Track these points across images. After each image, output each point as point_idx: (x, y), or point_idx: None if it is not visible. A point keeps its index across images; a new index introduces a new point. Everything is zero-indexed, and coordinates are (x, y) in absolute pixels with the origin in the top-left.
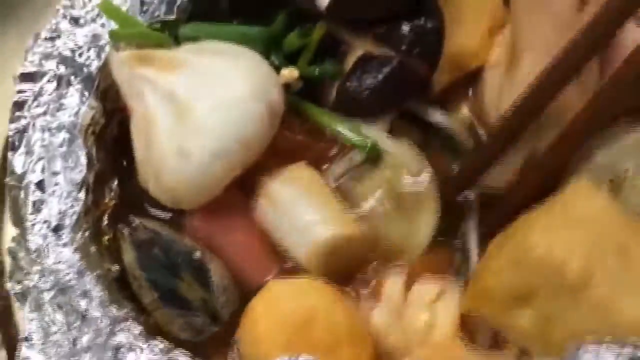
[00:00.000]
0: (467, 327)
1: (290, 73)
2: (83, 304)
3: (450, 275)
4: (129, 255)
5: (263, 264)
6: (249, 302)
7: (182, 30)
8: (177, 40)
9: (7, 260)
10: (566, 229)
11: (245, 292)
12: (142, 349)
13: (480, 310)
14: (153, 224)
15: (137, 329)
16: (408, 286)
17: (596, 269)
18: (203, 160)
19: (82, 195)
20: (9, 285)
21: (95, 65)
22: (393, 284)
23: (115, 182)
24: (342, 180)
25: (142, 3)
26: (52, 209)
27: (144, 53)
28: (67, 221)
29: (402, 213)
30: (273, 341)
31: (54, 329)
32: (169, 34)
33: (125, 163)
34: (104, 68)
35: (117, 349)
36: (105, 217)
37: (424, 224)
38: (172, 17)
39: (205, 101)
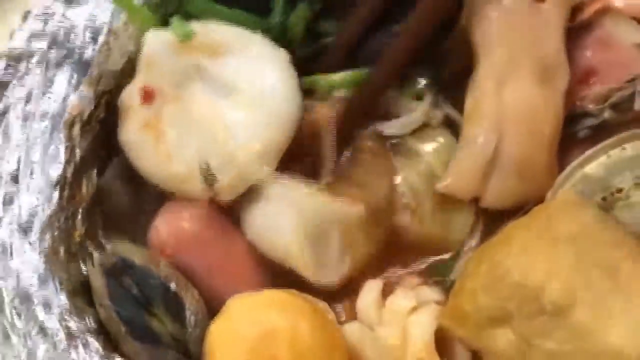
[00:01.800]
0: (446, 343)
1: None
2: (42, 314)
3: (427, 285)
4: (97, 282)
5: (239, 281)
6: None
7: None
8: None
9: None
10: (547, 248)
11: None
12: None
13: (455, 331)
14: (126, 247)
15: (94, 345)
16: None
17: (579, 291)
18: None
19: (56, 194)
20: None
21: (90, 49)
22: (366, 297)
23: (94, 173)
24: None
25: None
26: (22, 204)
27: (199, 39)
28: (37, 221)
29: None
30: None
31: (13, 335)
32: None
33: (104, 152)
34: (100, 53)
35: None
36: (80, 211)
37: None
38: None
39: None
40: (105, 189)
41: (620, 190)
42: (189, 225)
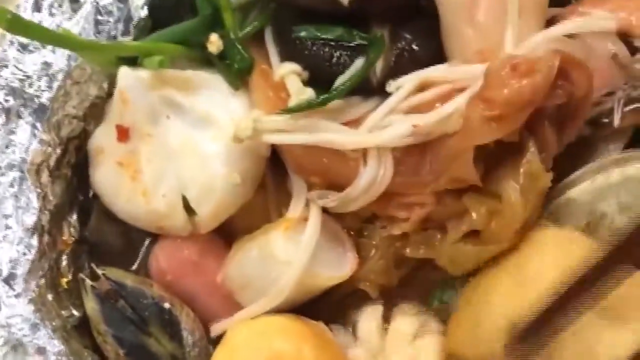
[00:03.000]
0: None
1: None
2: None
3: (425, 307)
4: (92, 309)
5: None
6: None
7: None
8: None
9: None
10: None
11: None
12: None
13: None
14: (116, 272)
15: None
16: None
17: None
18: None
19: (34, 241)
20: None
21: (46, 95)
22: (368, 321)
23: (75, 217)
24: None
25: (97, 23)
26: (2, 256)
27: (164, 73)
28: (20, 270)
29: None
30: None
31: None
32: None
33: (82, 198)
34: (57, 98)
35: None
36: (64, 257)
37: None
38: (129, 37)
39: None
40: (93, 232)
41: (604, 215)
42: (188, 252)
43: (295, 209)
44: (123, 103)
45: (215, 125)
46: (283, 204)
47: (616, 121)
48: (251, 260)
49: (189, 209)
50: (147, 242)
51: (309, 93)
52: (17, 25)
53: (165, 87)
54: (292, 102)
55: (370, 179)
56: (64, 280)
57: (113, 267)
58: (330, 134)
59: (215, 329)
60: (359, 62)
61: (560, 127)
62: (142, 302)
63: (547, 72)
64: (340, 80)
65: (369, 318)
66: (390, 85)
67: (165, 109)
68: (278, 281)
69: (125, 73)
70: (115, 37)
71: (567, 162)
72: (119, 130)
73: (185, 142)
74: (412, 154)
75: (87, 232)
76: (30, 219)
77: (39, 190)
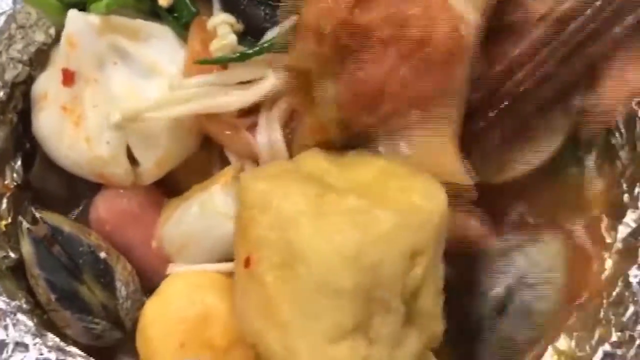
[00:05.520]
0: None
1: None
2: None
3: None
4: (27, 251)
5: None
6: None
7: None
8: None
9: None
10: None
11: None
12: (31, 345)
13: None
14: (55, 217)
15: (27, 323)
16: None
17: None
18: None
19: None
20: None
21: None
22: None
23: (19, 163)
24: None
25: None
26: None
27: (114, 20)
28: None
29: None
30: (166, 344)
31: None
32: None
33: (28, 145)
34: (0, 41)
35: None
36: (5, 200)
37: None
38: None
39: None
40: (36, 178)
41: None
42: (128, 203)
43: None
44: (70, 47)
45: (160, 76)
46: (227, 163)
47: None
48: (191, 217)
49: (132, 159)
50: (89, 192)
51: (230, 39)
52: None
53: (114, 34)
54: (213, 45)
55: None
56: (3, 222)
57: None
58: (217, 98)
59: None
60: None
61: None
62: (77, 250)
63: None
64: (265, 39)
65: None
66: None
67: (113, 56)
68: (221, 234)
69: (74, 17)
70: None
71: None
72: (65, 74)
73: (130, 90)
74: None
75: (30, 178)
76: None
77: None
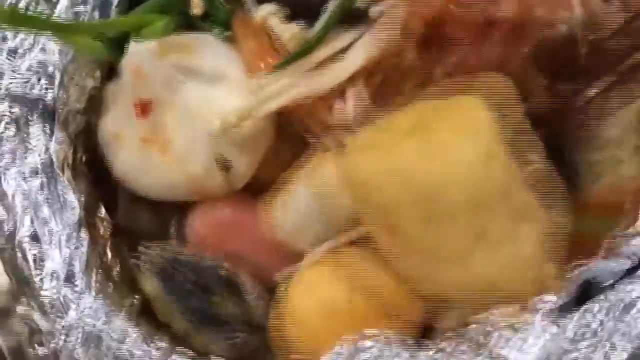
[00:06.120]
0: None
1: None
2: (124, 348)
3: None
4: (152, 289)
5: (283, 257)
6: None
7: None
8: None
9: (20, 327)
10: None
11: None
12: None
13: None
14: (165, 249)
15: (188, 354)
16: None
17: None
18: None
19: (83, 234)
20: (31, 353)
21: (50, 95)
22: None
23: (103, 211)
24: None
25: (76, 14)
26: (55, 258)
27: (167, 41)
28: (77, 266)
29: None
30: (325, 329)
31: None
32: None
33: (103, 190)
34: (58, 96)
35: None
36: (108, 250)
37: None
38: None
39: None
40: (123, 219)
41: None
42: (223, 213)
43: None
44: (137, 77)
45: (226, 79)
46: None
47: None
48: (306, 198)
49: (226, 165)
50: (176, 216)
51: (292, 29)
52: (17, 18)
53: (172, 54)
54: (282, 40)
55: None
56: (114, 272)
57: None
58: (305, 81)
59: None
60: None
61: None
62: (199, 271)
63: None
64: (324, 14)
65: None
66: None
67: (179, 75)
68: (337, 207)
69: (136, 47)
70: None
71: None
72: (140, 106)
73: (205, 102)
74: None
75: (118, 221)
76: (72, 216)
77: (71, 186)
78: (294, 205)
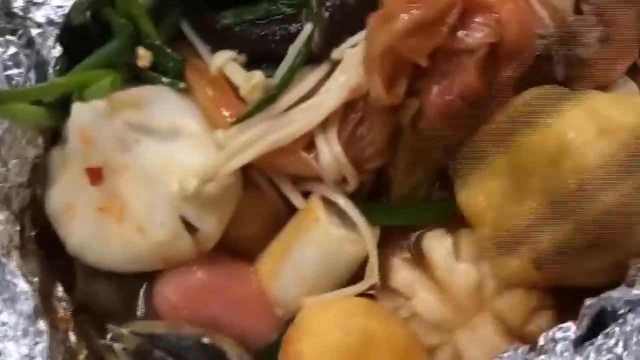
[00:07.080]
0: None
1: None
2: None
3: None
4: None
5: (267, 317)
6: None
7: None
8: None
9: None
10: None
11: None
12: None
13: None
14: (141, 325)
15: None
16: None
17: None
18: None
19: (41, 325)
20: None
21: None
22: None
23: (60, 290)
24: None
25: (9, 78)
26: (13, 355)
27: (115, 98)
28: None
29: None
30: None
31: None
32: None
33: (57, 267)
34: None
35: None
36: (71, 334)
37: None
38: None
39: None
40: (83, 295)
41: None
42: (196, 278)
43: (300, 203)
44: (85, 143)
45: (184, 134)
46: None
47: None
48: (310, 255)
49: (189, 228)
50: (143, 286)
51: (257, 76)
52: None
53: (121, 111)
54: (243, 90)
55: (328, 162)
56: (81, 357)
57: (116, 323)
58: (272, 134)
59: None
60: (304, 32)
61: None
62: (181, 346)
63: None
64: (287, 59)
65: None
66: (335, 53)
67: (132, 133)
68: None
69: (80, 109)
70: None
71: None
72: (91, 174)
73: (162, 160)
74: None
75: (77, 297)
76: (26, 306)
77: (20, 271)
78: (301, 262)
